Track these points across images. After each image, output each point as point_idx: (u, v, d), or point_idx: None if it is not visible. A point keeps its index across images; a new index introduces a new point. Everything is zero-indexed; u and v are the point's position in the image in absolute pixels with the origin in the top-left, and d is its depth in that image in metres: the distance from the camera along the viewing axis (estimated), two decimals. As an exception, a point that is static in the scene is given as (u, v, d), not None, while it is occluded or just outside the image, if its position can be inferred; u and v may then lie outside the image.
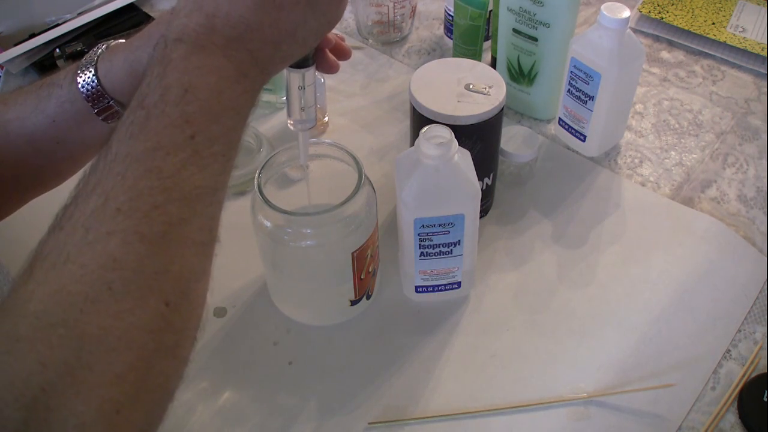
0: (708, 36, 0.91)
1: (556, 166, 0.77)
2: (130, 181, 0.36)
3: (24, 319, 0.33)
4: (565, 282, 0.66)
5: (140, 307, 0.34)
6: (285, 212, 0.53)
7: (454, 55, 0.86)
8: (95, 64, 0.50)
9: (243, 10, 0.41)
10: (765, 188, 0.74)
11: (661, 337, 0.61)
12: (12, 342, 0.32)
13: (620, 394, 0.57)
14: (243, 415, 0.57)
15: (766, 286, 0.65)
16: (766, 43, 0.89)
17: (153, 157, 0.37)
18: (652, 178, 0.75)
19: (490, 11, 0.84)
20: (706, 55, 0.90)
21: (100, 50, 0.51)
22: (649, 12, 0.94)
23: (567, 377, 0.59)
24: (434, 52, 0.93)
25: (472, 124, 0.61)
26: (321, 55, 0.52)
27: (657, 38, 0.94)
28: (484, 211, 0.71)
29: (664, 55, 0.91)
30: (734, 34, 0.90)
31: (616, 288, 0.65)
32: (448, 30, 0.91)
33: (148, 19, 0.97)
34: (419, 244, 0.59)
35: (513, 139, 0.72)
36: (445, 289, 0.63)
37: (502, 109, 0.63)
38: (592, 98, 0.71)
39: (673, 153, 0.78)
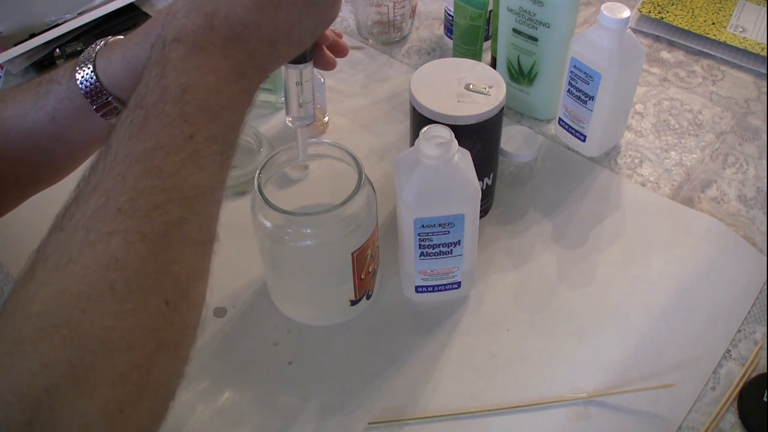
0: (708, 36, 0.91)
1: (556, 166, 0.77)
2: (130, 182, 0.36)
3: (26, 320, 0.33)
4: (565, 282, 0.66)
5: (142, 307, 0.35)
6: (285, 212, 0.53)
7: (454, 55, 0.86)
8: (93, 61, 0.50)
9: (242, 11, 0.41)
10: (765, 188, 0.74)
11: (661, 337, 0.61)
12: (15, 343, 0.32)
13: (620, 394, 0.57)
14: (243, 415, 0.57)
15: (766, 286, 0.65)
16: (766, 43, 0.89)
17: (153, 157, 0.37)
18: (652, 178, 0.75)
19: (490, 11, 0.84)
20: (706, 55, 0.90)
21: (98, 47, 0.51)
22: (649, 12, 0.94)
23: (567, 377, 0.59)
24: (434, 52, 0.93)
25: (472, 124, 0.61)
26: (318, 52, 0.52)
27: (657, 38, 0.94)
28: (484, 211, 0.71)
29: (664, 55, 0.91)
30: (734, 34, 0.90)
31: (616, 288, 0.65)
32: (448, 30, 0.91)
33: (147, 19, 0.97)
34: (419, 244, 0.59)
35: (513, 139, 0.72)
36: (445, 289, 0.63)
37: (502, 109, 0.63)
38: (592, 98, 0.71)
39: (673, 153, 0.78)
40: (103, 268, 0.34)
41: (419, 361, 0.60)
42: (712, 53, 0.90)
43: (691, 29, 0.91)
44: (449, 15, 0.89)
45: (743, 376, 0.58)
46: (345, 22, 0.98)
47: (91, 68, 0.50)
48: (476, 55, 0.83)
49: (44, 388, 0.31)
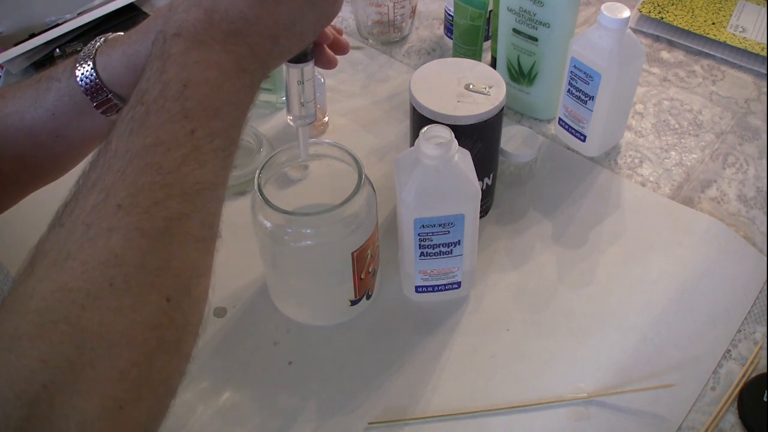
0: (708, 36, 0.91)
1: (556, 166, 0.77)
2: (130, 177, 0.36)
3: (25, 317, 0.33)
4: (565, 282, 0.66)
5: (142, 303, 0.34)
6: (285, 212, 0.53)
7: (454, 55, 0.86)
8: (93, 58, 0.50)
9: (241, 5, 0.41)
10: (765, 188, 0.74)
11: (661, 337, 0.61)
12: (13, 339, 0.32)
13: (620, 394, 0.57)
14: (243, 415, 0.57)
15: (766, 286, 0.65)
16: (766, 43, 0.89)
17: (153, 153, 0.37)
18: (652, 178, 0.75)
19: (490, 11, 0.84)
20: (706, 55, 0.90)
21: (98, 43, 0.51)
22: (649, 12, 0.94)
23: (567, 377, 0.59)
24: (434, 52, 0.93)
25: (472, 124, 0.61)
26: (319, 50, 0.52)
27: (657, 38, 0.94)
28: (484, 211, 0.71)
29: (664, 55, 0.91)
30: (734, 34, 0.90)
31: (616, 288, 0.65)
32: (448, 30, 0.91)
33: (147, 19, 0.97)
34: (419, 244, 0.59)
35: (513, 139, 0.72)
36: (445, 289, 0.63)
37: (502, 109, 0.63)
38: (592, 98, 0.71)
39: (673, 153, 0.78)
40: (102, 264, 0.34)
41: (419, 361, 0.60)
42: (712, 53, 0.90)
43: (691, 29, 0.91)
44: (449, 15, 0.89)
45: (743, 376, 0.58)
46: (345, 22, 0.98)
47: (91, 65, 0.49)
48: (476, 55, 0.83)
49: (43, 384, 0.31)
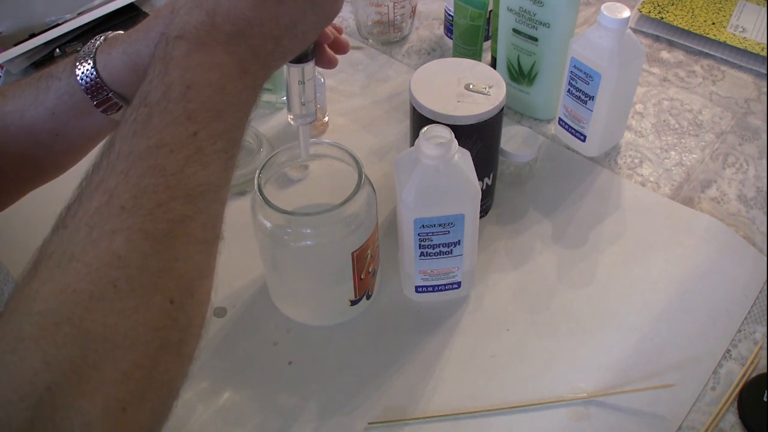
0: (708, 36, 0.91)
1: (556, 166, 0.77)
2: (133, 179, 0.36)
3: (29, 318, 0.33)
4: (565, 282, 0.66)
5: (145, 305, 0.34)
6: (285, 212, 0.53)
7: (454, 55, 0.86)
8: (94, 56, 0.50)
9: (243, 7, 0.41)
10: (765, 188, 0.74)
11: (661, 337, 0.61)
12: (17, 341, 0.32)
13: (620, 394, 0.57)
14: (243, 415, 0.57)
15: (766, 286, 0.65)
16: (766, 43, 0.89)
17: (156, 155, 0.37)
18: (652, 178, 0.75)
19: (490, 11, 0.84)
20: (706, 55, 0.90)
21: (98, 42, 0.51)
22: (649, 12, 0.94)
23: (567, 377, 0.59)
24: (434, 52, 0.93)
25: (472, 124, 0.61)
26: (320, 50, 0.52)
27: (657, 38, 0.94)
28: (484, 211, 0.71)
29: (664, 55, 0.91)
30: (734, 34, 0.90)
31: (616, 288, 0.65)
32: (448, 30, 0.91)
33: (147, 19, 0.97)
34: (419, 244, 0.59)
35: (513, 139, 0.72)
36: (445, 289, 0.63)
37: (502, 109, 0.63)
38: (592, 98, 0.71)
39: (673, 153, 0.78)
40: (105, 266, 0.34)
41: (419, 361, 0.60)
42: (712, 53, 0.90)
43: (691, 29, 0.91)
44: (449, 15, 0.89)
45: (743, 376, 0.58)
46: (345, 22, 0.98)
47: (91, 63, 0.50)
48: (476, 55, 0.83)
49: (46, 386, 0.31)
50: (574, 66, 0.71)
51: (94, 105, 0.50)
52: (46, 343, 0.32)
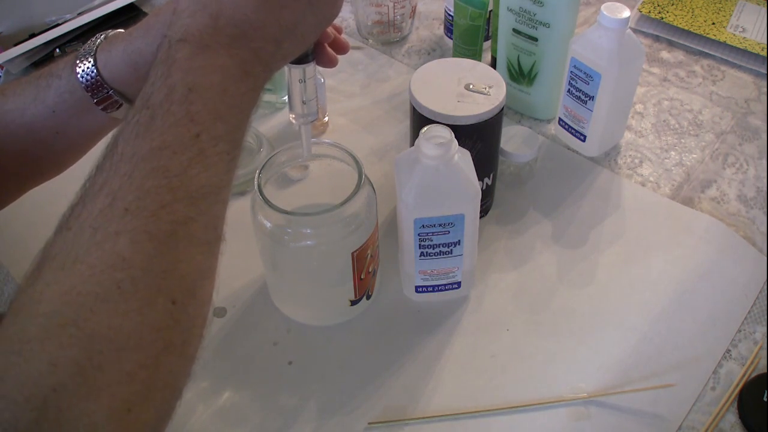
0: (708, 36, 0.91)
1: (556, 166, 0.77)
2: (137, 181, 0.36)
3: (34, 320, 0.33)
4: (565, 282, 0.66)
5: (149, 306, 0.35)
6: (285, 212, 0.53)
7: (454, 55, 0.86)
8: (94, 54, 0.50)
9: (246, 9, 0.41)
10: (765, 188, 0.74)
11: (661, 337, 0.61)
12: (22, 343, 0.32)
13: (620, 394, 0.57)
14: (243, 415, 0.57)
15: (766, 286, 0.65)
16: (766, 43, 0.89)
17: (159, 156, 0.37)
18: (652, 178, 0.75)
19: (490, 11, 0.84)
20: (706, 55, 0.90)
21: (98, 40, 0.51)
22: (649, 12, 0.94)
23: (567, 377, 0.59)
24: (434, 52, 0.93)
25: (472, 124, 0.61)
26: (320, 50, 0.52)
27: (657, 38, 0.94)
28: (484, 211, 0.71)
29: (664, 55, 0.91)
30: (734, 34, 0.90)
31: (616, 288, 0.65)
32: (448, 30, 0.91)
33: (148, 19, 0.97)
34: (419, 244, 0.59)
35: (513, 139, 0.72)
36: (445, 289, 0.63)
37: (502, 109, 0.63)
38: (592, 98, 0.71)
39: (673, 153, 0.78)
40: (110, 268, 0.34)
41: (419, 361, 0.60)
42: (712, 53, 0.90)
43: (691, 29, 0.91)
44: (449, 15, 0.89)
45: (743, 376, 0.58)
46: (345, 22, 0.98)
47: (92, 62, 0.50)
48: (476, 55, 0.83)
49: (52, 387, 0.31)
50: (574, 66, 0.71)
51: (95, 103, 0.50)
52: (51, 344, 0.32)
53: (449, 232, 0.58)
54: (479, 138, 0.63)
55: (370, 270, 0.60)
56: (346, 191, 0.54)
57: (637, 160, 0.77)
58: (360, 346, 0.62)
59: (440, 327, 0.63)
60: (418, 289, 0.63)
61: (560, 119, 0.77)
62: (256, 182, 0.54)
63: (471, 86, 0.63)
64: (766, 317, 0.63)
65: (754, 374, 0.58)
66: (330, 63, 0.53)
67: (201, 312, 0.38)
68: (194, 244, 0.38)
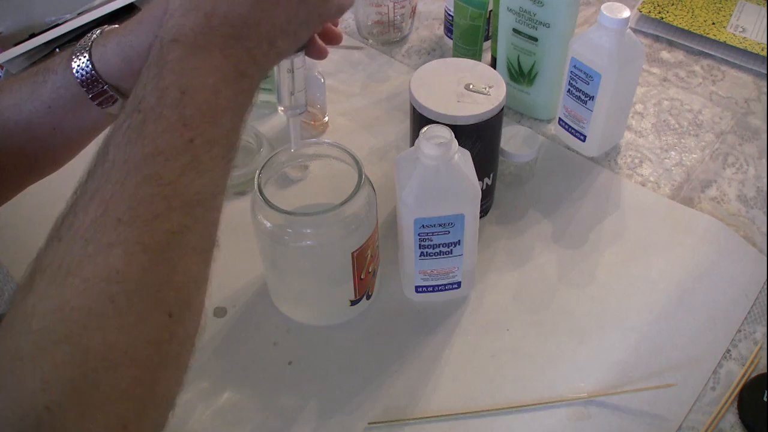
0: (708, 36, 0.91)
1: (556, 166, 0.77)
2: (129, 189, 0.35)
3: (26, 337, 0.32)
4: (565, 282, 0.66)
5: (144, 320, 0.34)
6: (285, 212, 0.53)
7: (454, 55, 0.86)
8: (89, 50, 0.49)
9: (242, 8, 0.40)
10: (765, 188, 0.74)
11: (661, 337, 0.61)
12: (15, 360, 0.31)
13: (620, 394, 0.57)
14: (243, 416, 0.57)
15: (766, 286, 0.65)
16: (766, 43, 0.89)
17: (152, 163, 0.36)
18: (652, 178, 0.75)
19: (490, 11, 0.84)
20: (706, 55, 0.90)
21: (94, 35, 0.51)
22: (649, 12, 0.94)
23: (567, 377, 0.59)
24: (434, 52, 0.93)
25: (472, 124, 0.61)
26: (310, 41, 0.51)
27: (657, 38, 0.94)
28: (484, 211, 0.71)
29: (664, 55, 0.91)
30: (734, 34, 0.90)
31: (616, 288, 0.65)
32: (448, 30, 0.91)
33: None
34: (419, 244, 0.59)
35: (513, 139, 0.72)
36: (445, 289, 0.63)
37: (502, 109, 0.63)
38: (592, 98, 0.71)
39: (673, 153, 0.78)
40: (103, 281, 0.33)
41: (419, 361, 0.60)
42: (712, 53, 0.90)
43: (691, 29, 0.91)
44: (449, 15, 0.89)
45: (743, 376, 0.58)
46: (345, 22, 0.98)
47: (87, 57, 0.49)
48: (476, 55, 0.83)
49: (45, 406, 0.30)
50: (574, 66, 0.71)
51: (90, 98, 0.50)
52: (44, 362, 0.31)
53: (449, 232, 0.58)
54: (479, 138, 0.63)
55: (370, 270, 0.60)
56: (346, 191, 0.54)
57: (637, 160, 0.77)
58: (360, 346, 0.62)
59: (440, 327, 0.63)
60: (418, 289, 0.63)
61: (560, 119, 0.77)
62: (256, 182, 0.54)
63: (471, 86, 0.63)
64: (766, 317, 0.63)
65: (754, 374, 0.58)
66: (320, 54, 0.51)
67: (195, 322, 0.38)
68: (189, 253, 0.37)
